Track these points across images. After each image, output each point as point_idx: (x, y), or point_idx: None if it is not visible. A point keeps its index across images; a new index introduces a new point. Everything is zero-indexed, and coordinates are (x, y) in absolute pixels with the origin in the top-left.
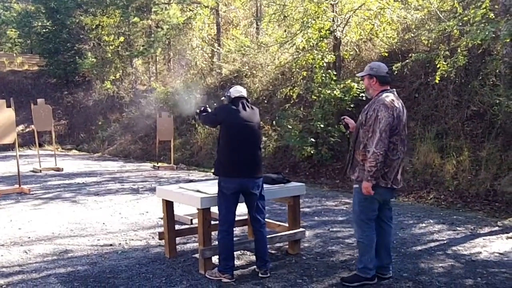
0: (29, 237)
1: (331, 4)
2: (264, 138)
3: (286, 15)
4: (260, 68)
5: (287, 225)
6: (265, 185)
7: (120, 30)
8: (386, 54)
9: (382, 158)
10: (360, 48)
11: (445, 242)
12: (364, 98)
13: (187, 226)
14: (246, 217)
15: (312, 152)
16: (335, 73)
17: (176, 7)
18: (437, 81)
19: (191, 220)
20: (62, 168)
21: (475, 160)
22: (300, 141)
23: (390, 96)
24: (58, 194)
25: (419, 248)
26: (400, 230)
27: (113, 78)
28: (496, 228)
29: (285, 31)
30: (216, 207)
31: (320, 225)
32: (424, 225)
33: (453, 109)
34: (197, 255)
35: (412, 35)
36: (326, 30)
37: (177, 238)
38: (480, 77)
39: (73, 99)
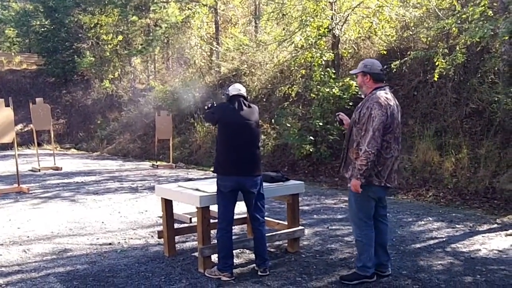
0: (28, 237)
1: (329, 2)
2: (263, 137)
3: (284, 13)
4: (259, 67)
5: (286, 223)
6: (264, 183)
7: (119, 29)
8: (385, 52)
9: (373, 157)
10: (359, 46)
11: (444, 239)
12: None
13: (186, 225)
14: (245, 215)
15: (311, 150)
16: (333, 71)
17: (174, 6)
18: (435, 79)
19: (190, 218)
20: (61, 167)
21: (474, 157)
22: (299, 139)
23: (384, 94)
24: (57, 193)
25: (418, 245)
26: (399, 228)
27: (112, 77)
28: (495, 225)
29: (283, 29)
30: (216, 206)
31: (319, 223)
32: (423, 222)
33: (452, 106)
34: (196, 254)
35: (411, 33)
36: (324, 28)
37: (176, 237)
38: (479, 75)
39: (71, 98)
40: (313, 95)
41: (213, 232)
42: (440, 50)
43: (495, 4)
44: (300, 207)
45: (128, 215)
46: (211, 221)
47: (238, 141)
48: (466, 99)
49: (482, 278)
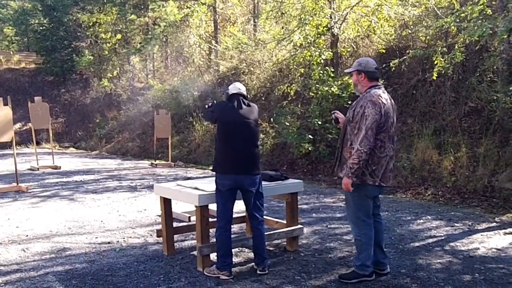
0: (27, 235)
1: (328, 1)
2: (261, 135)
3: (283, 12)
4: (258, 65)
5: (285, 222)
6: (263, 182)
7: (117, 28)
8: (384, 51)
9: (366, 156)
10: (358, 44)
11: (443, 238)
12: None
13: (185, 224)
14: (244, 214)
15: (309, 149)
16: (332, 70)
17: (173, 4)
18: (434, 78)
19: (189, 217)
20: (60, 166)
21: (472, 156)
22: (298, 138)
23: (378, 93)
24: (55, 192)
25: (417, 244)
26: (398, 227)
27: (111, 75)
28: (494, 224)
29: (282, 28)
30: (214, 204)
31: (318, 222)
32: (422, 221)
33: (451, 105)
34: (195, 253)
35: (410, 31)
36: (323, 27)
37: (175, 236)
38: (478, 74)
39: (70, 96)
40: (312, 94)
41: (212, 230)
42: (439, 49)
43: (494, 2)
44: (299, 206)
45: (127, 214)
46: (210, 219)
47: (237, 139)
48: (465, 97)
49: (481, 277)
